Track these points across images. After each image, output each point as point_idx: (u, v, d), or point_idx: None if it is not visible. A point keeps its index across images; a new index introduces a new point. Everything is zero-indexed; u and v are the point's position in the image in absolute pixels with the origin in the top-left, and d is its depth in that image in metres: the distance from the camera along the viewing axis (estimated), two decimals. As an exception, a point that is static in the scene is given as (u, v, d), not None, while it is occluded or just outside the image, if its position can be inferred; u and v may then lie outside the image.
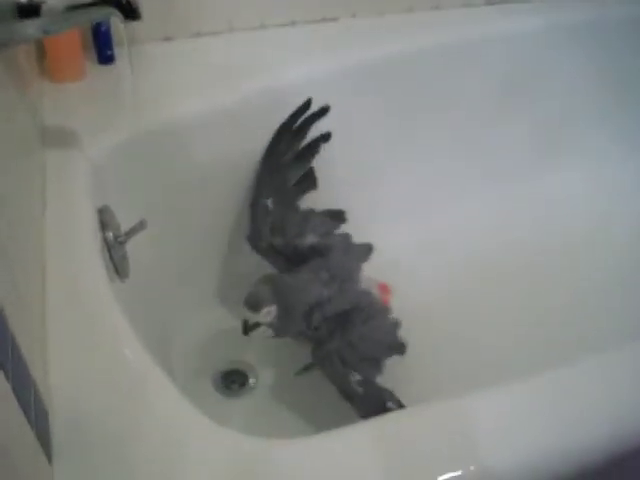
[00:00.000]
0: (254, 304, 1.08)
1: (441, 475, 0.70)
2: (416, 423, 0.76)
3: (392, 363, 1.17)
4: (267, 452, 0.72)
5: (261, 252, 1.24)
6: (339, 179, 1.40)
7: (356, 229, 1.29)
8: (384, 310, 1.22)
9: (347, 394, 1.11)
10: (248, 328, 1.10)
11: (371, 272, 1.26)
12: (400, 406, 1.08)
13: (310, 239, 1.23)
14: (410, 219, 1.53)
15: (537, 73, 1.57)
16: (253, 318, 1.09)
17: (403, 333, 1.19)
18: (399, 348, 1.18)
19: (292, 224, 1.25)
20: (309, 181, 1.33)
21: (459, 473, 0.70)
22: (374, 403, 1.09)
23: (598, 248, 1.53)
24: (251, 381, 1.27)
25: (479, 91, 1.53)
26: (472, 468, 0.70)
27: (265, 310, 1.08)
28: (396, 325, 1.20)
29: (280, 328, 1.12)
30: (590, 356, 0.85)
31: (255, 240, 1.24)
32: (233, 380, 1.27)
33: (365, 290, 1.23)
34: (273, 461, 0.70)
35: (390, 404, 1.09)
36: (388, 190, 1.52)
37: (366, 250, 1.28)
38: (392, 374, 1.16)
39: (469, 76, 1.50)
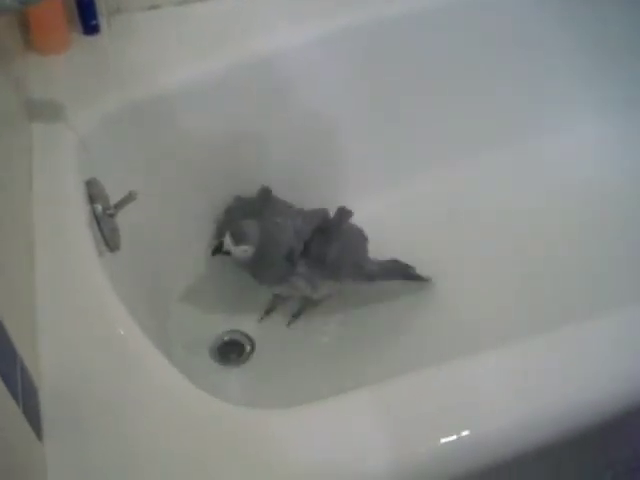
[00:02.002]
0: (238, 236, 1.12)
1: (437, 440, 0.70)
2: (409, 389, 0.76)
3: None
4: (262, 423, 0.72)
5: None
6: (326, 145, 1.40)
7: (344, 193, 1.33)
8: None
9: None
10: (218, 251, 1.15)
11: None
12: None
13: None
14: (400, 185, 1.51)
15: (522, 37, 1.53)
16: (229, 247, 1.13)
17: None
18: None
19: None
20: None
21: (453, 438, 0.70)
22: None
23: (582, 211, 1.49)
24: (247, 350, 1.27)
25: (464, 56, 1.49)
26: (465, 433, 0.70)
27: (243, 247, 1.13)
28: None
29: (259, 274, 1.19)
30: (576, 322, 0.84)
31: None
32: (230, 349, 1.27)
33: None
34: (268, 432, 0.70)
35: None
36: (378, 156, 1.50)
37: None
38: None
39: (453, 41, 1.46)
